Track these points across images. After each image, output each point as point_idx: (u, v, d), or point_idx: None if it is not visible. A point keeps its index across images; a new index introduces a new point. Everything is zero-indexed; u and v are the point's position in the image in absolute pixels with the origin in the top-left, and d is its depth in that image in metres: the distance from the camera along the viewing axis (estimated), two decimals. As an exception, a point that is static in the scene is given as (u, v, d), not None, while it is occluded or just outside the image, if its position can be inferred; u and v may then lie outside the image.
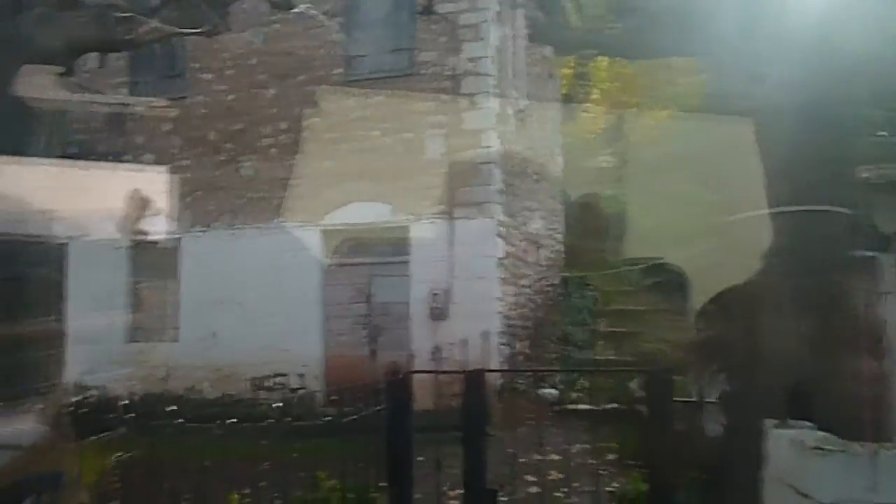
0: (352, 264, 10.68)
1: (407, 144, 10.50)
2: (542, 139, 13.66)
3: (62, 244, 5.32)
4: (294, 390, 9.92)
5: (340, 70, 10.90)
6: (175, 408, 4.01)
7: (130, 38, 4.16)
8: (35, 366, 4.77)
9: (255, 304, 10.64)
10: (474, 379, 4.33)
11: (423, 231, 10.30)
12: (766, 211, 4.01)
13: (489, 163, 10.32)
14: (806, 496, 3.44)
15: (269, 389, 10.08)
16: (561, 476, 5.34)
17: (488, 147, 10.29)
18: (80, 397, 4.73)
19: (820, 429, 3.70)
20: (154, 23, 4.03)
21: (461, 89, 10.37)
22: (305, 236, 10.68)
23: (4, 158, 4.70)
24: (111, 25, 4.14)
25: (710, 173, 10.48)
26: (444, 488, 4.71)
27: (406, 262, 10.38)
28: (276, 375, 10.36)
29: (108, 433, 4.47)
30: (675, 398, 4.37)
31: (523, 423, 7.86)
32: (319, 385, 10.04)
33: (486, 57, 10.40)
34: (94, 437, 4.43)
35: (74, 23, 4.21)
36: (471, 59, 10.44)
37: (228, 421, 5.14)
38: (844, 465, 3.35)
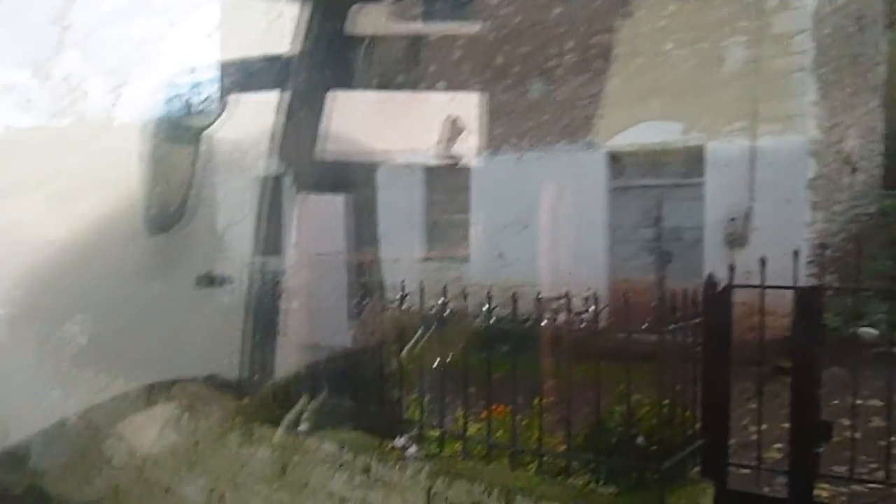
0: (640, 187, 10.23)
1: (703, 56, 9.64)
2: (861, 43, 11.73)
3: (376, 168, 5.71)
4: (579, 313, 9.89)
5: (630, -20, 10.28)
6: (487, 309, 4.05)
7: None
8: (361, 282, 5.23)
9: (541, 227, 10.71)
10: (809, 297, 3.82)
11: (720, 150, 9.47)
12: None
13: (801, 70, 9.08)
14: None
15: (555, 311, 10.16)
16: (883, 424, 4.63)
17: (802, 52, 9.04)
18: (390, 306, 5.06)
19: None
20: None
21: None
22: (592, 158, 10.42)
23: (337, 91, 5.10)
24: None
25: None
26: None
27: (700, 185, 9.66)
28: (560, 297, 10.38)
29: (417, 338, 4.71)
30: None
31: (837, 363, 7.01)
32: (604, 308, 9.87)
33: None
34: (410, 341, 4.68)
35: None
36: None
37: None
38: None
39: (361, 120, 5.80)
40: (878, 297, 10.40)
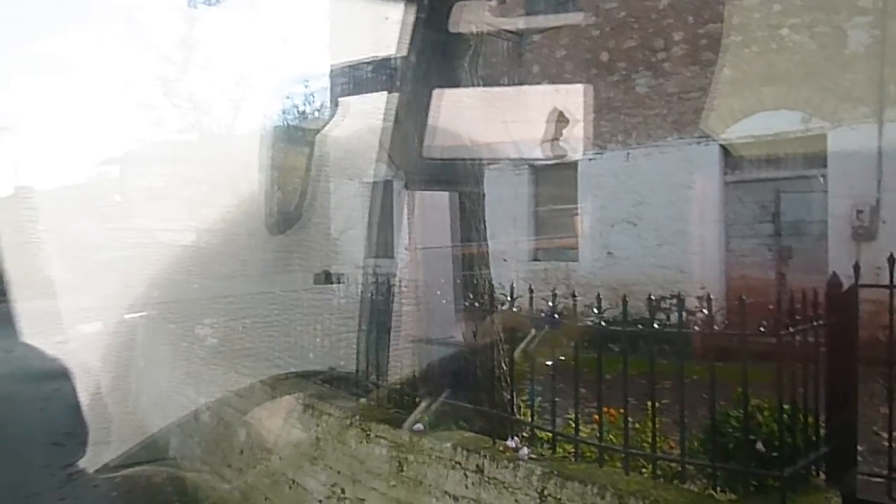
0: (756, 180, 9.81)
1: (822, 39, 9.14)
2: None
3: (482, 166, 5.78)
4: (692, 312, 9.61)
5: (741, -33, 9.88)
6: (597, 310, 4.05)
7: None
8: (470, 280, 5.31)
9: (651, 224, 10.50)
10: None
11: (844, 139, 8.95)
12: None
13: (937, 49, 8.46)
14: None
15: (666, 310, 9.93)
16: None
17: (936, 29, 8.43)
18: (501, 307, 5.11)
19: None
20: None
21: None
22: (705, 152, 10.09)
23: (442, 90, 5.21)
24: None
25: None
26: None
27: (822, 176, 9.16)
28: (672, 297, 10.13)
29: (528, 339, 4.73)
30: None
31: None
32: (719, 308, 9.58)
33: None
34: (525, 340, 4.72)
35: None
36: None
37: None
38: None
39: (468, 117, 5.88)
40: None
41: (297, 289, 8.15)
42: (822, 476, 3.70)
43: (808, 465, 3.58)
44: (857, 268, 3.97)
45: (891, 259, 3.80)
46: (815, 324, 3.75)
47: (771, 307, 4.03)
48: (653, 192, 10.55)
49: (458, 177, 5.46)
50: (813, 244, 9.20)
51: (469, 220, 5.42)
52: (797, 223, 9.46)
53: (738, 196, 9.97)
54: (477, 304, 5.06)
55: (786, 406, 3.72)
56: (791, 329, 3.74)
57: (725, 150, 10.01)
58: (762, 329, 3.86)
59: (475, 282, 5.27)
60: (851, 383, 3.83)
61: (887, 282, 4.02)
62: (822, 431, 3.77)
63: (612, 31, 11.20)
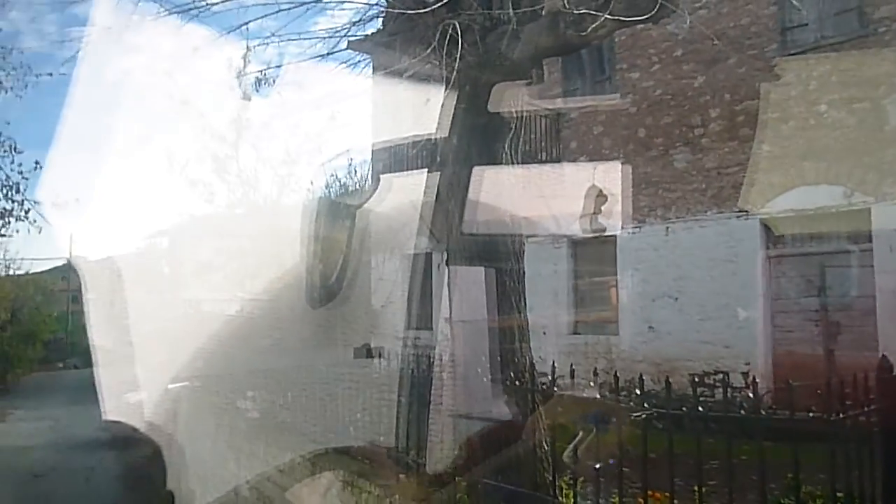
0: (801, 254, 9.71)
1: (862, 115, 9.17)
2: None
3: (522, 241, 5.85)
4: (737, 389, 9.38)
5: (775, 45, 10.04)
6: (639, 390, 4.03)
7: (584, 36, 4.35)
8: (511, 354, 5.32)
9: (692, 298, 10.40)
10: None
11: (887, 213, 8.86)
12: None
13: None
14: None
15: (710, 386, 9.72)
16: None
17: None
18: (541, 382, 5.09)
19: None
20: (603, 16, 4.15)
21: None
22: (745, 226, 10.05)
23: (482, 168, 5.36)
24: (566, 28, 4.40)
25: None
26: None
27: (868, 251, 9.04)
28: (716, 372, 9.95)
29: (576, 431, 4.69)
30: None
31: None
32: (765, 385, 9.34)
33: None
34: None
35: (535, 31, 4.61)
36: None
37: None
38: None
39: (507, 194, 5.99)
40: None
41: (338, 362, 8.21)
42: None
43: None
44: (884, 358, 3.88)
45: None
46: (866, 408, 3.68)
47: (817, 387, 3.96)
48: (694, 266, 10.48)
49: (498, 252, 5.54)
50: (861, 320, 9.00)
51: (509, 295, 5.47)
52: (844, 298, 9.29)
53: (783, 270, 9.86)
54: (518, 380, 5.05)
55: (840, 494, 3.61)
56: (842, 414, 3.67)
57: (766, 225, 9.96)
58: (812, 413, 3.78)
59: (515, 357, 5.28)
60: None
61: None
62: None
63: (649, 108, 11.39)
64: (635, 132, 11.57)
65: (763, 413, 4.11)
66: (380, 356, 7.49)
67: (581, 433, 4.31)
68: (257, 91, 7.92)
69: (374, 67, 8.58)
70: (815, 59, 9.65)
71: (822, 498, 3.57)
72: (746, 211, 10.02)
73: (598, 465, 4.10)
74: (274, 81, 8.00)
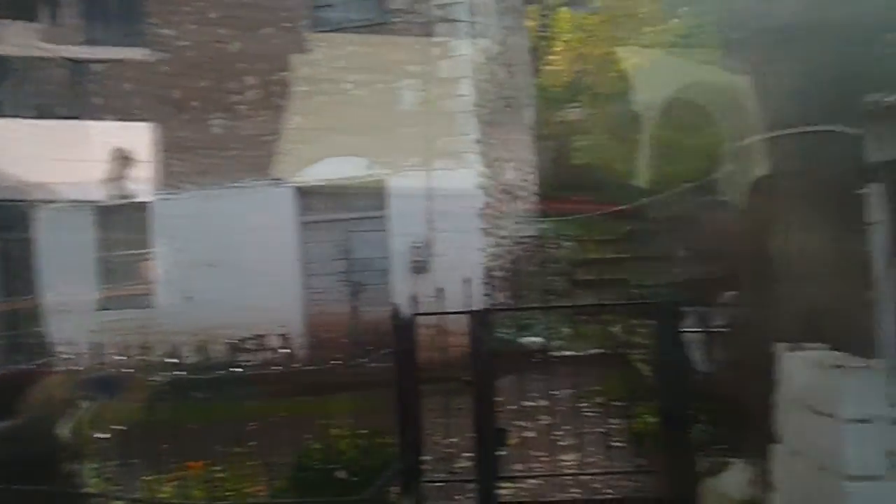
0: (329, 220, 10.47)
1: (380, 95, 10.24)
2: (513, 89, 13.46)
3: (30, 206, 5.03)
4: (274, 350, 9.73)
5: (308, 21, 10.53)
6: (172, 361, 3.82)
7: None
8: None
9: (231, 266, 10.36)
10: (480, 318, 4.23)
11: (401, 184, 10.11)
12: (776, 133, 3.93)
13: (465, 111, 10.12)
14: (826, 415, 3.43)
15: (249, 351, 9.87)
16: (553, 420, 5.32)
17: (464, 96, 10.08)
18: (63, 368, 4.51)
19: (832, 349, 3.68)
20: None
21: (434, 37, 10.10)
22: (280, 194, 10.41)
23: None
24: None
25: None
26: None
27: (385, 217, 10.20)
28: (255, 337, 10.14)
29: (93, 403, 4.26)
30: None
31: (510, 371, 7.85)
32: (299, 344, 9.85)
33: (459, 2, 10.13)
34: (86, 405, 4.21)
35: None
36: (440, 6, 10.18)
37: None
38: (866, 382, 3.35)
39: (12, 151, 5.10)
40: (540, 311, 11.90)
41: None
42: (397, 491, 4.00)
43: (384, 484, 3.83)
44: (414, 298, 4.44)
45: (439, 289, 4.32)
46: (382, 352, 4.09)
47: (345, 340, 4.26)
48: (233, 233, 10.44)
49: (4, 219, 4.68)
50: (380, 278, 10.13)
51: (12, 269, 4.67)
52: (366, 260, 10.32)
53: (315, 235, 10.50)
54: (30, 366, 4.37)
55: (363, 431, 3.95)
56: (361, 359, 4.01)
57: (301, 192, 10.47)
58: (336, 361, 4.06)
59: (26, 340, 4.55)
60: (416, 402, 4.25)
61: (440, 309, 4.57)
62: (395, 450, 4.10)
63: (186, 70, 10.90)
64: (170, 93, 10.97)
65: (296, 368, 4.27)
66: None
67: (85, 406, 3.90)
68: None
69: None
70: (341, 39, 10.39)
71: (348, 437, 3.86)
72: (282, 179, 10.37)
73: (106, 436, 3.76)
74: None
